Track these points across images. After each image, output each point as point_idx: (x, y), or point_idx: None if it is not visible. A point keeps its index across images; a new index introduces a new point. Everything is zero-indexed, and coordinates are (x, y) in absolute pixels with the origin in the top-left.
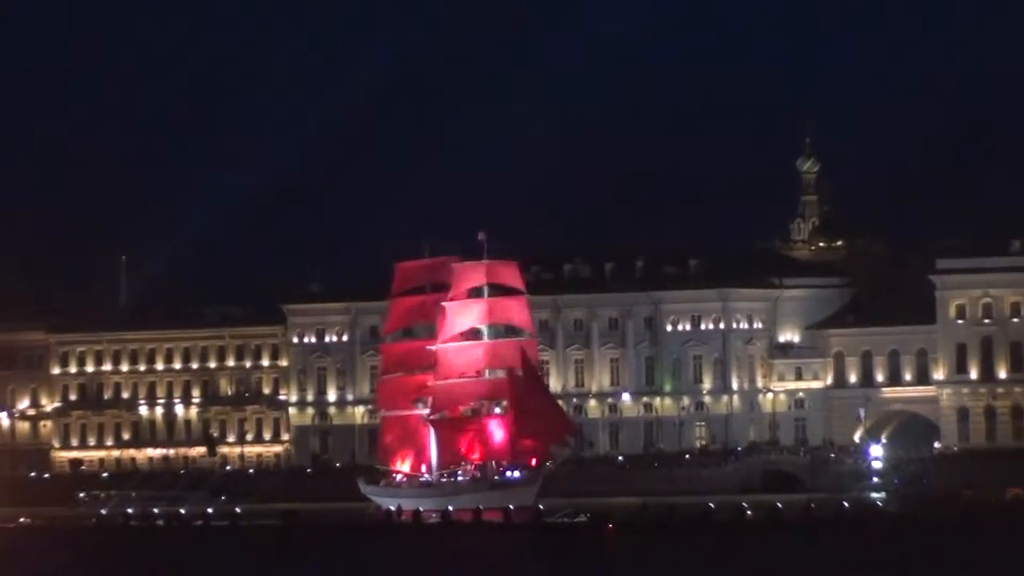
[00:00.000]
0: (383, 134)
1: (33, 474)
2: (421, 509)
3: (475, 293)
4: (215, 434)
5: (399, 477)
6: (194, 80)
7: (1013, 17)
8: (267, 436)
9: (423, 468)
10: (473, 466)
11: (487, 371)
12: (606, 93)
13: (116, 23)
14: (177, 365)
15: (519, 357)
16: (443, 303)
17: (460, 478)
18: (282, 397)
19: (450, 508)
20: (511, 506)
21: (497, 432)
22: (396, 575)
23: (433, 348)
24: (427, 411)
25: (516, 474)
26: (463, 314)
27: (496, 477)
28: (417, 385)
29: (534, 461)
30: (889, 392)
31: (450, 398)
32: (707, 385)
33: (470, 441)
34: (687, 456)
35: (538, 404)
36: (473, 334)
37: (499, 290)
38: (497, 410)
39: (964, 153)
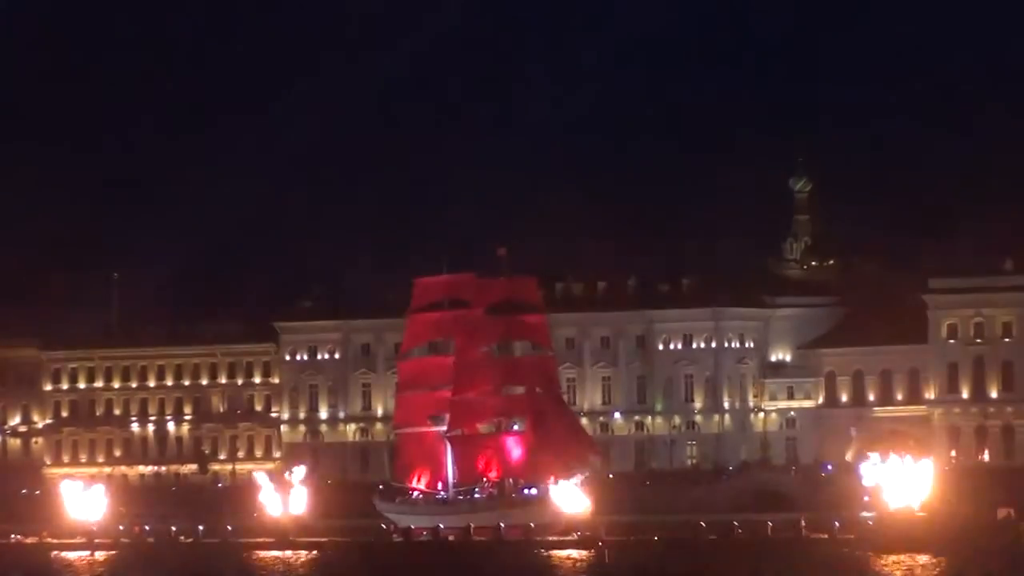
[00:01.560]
0: (377, 151)
1: (24, 491)
2: (441, 527)
3: (494, 310)
4: (207, 451)
5: (416, 494)
6: (188, 94)
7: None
8: (259, 453)
9: (439, 485)
10: (490, 483)
11: (505, 388)
12: (598, 110)
13: (105, 37)
14: (169, 382)
15: (538, 374)
16: (461, 319)
17: (477, 495)
18: (274, 414)
19: (471, 525)
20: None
21: (515, 449)
22: None
23: (451, 364)
24: (444, 428)
25: (534, 491)
26: (482, 330)
27: (514, 495)
28: (435, 401)
29: (553, 479)
30: (881, 411)
31: (468, 415)
32: (699, 404)
33: (488, 458)
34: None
35: (559, 422)
36: (491, 351)
37: (518, 307)
38: (515, 427)
39: (960, 168)
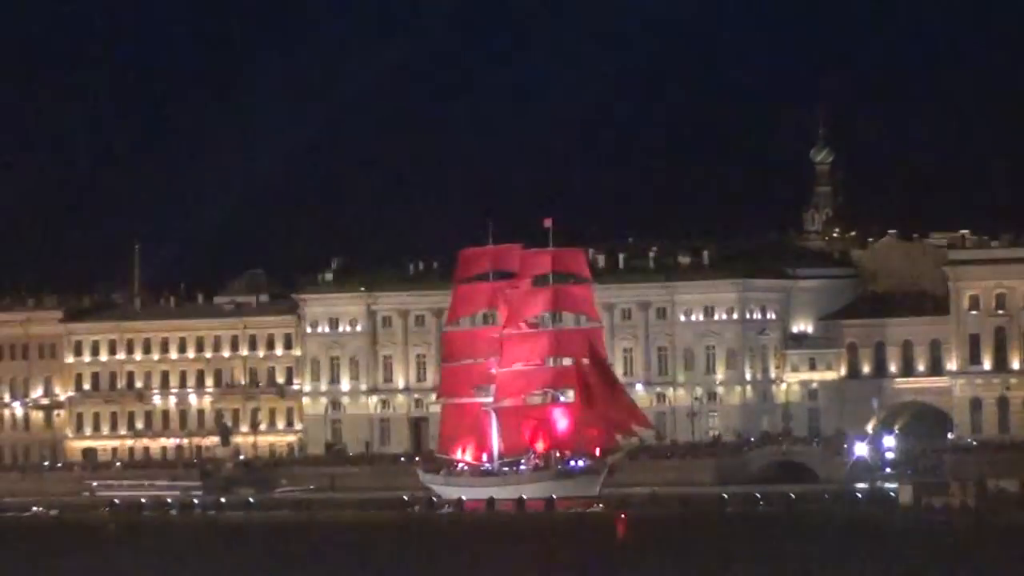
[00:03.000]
0: (400, 124)
1: (46, 463)
2: (495, 498)
3: (541, 280)
4: (228, 423)
5: (461, 466)
6: (211, 63)
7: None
8: (280, 425)
9: (484, 457)
10: (536, 455)
11: (552, 359)
12: (624, 81)
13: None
14: (191, 354)
15: (586, 345)
16: (508, 290)
17: (523, 467)
18: (295, 386)
19: (524, 496)
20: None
21: (561, 421)
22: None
23: (497, 335)
24: (490, 399)
25: (580, 463)
26: (529, 301)
27: (559, 467)
28: (480, 373)
29: (598, 451)
30: (902, 383)
31: (514, 386)
32: (720, 375)
33: (534, 430)
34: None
35: (606, 393)
36: (538, 322)
37: (565, 278)
38: (562, 399)
39: (978, 142)
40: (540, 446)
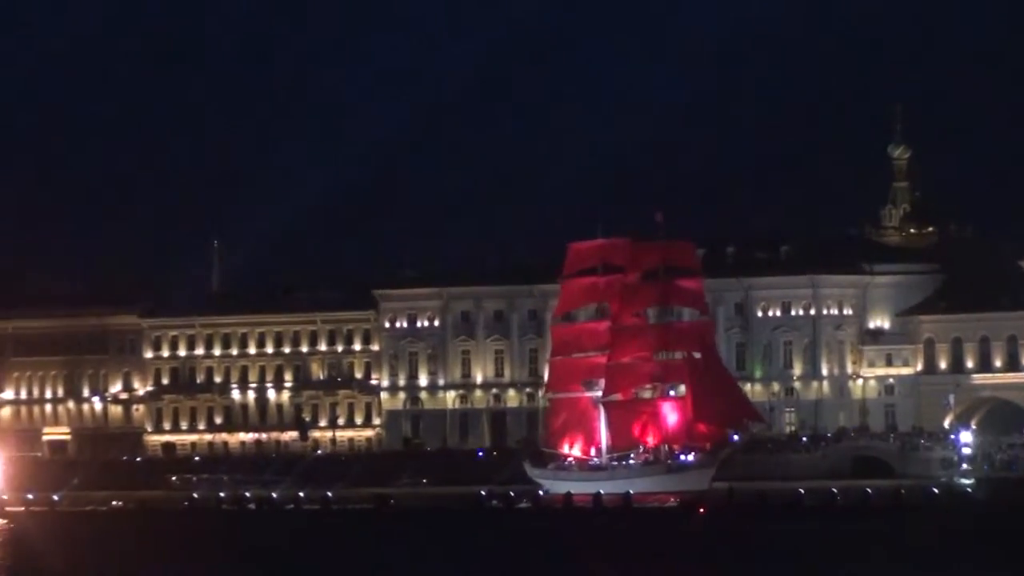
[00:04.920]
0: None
1: (125, 458)
2: (602, 492)
3: (650, 274)
4: (307, 418)
5: (569, 460)
6: (292, 66)
7: None
8: (359, 420)
9: (592, 451)
10: (647, 449)
11: (662, 353)
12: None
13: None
14: (269, 349)
15: (697, 339)
16: (616, 284)
17: (632, 461)
18: (374, 382)
19: (630, 491)
20: (600, 491)
21: (671, 415)
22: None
23: (605, 329)
24: (599, 393)
25: (690, 458)
26: (638, 296)
27: (670, 461)
28: (588, 367)
29: (709, 445)
30: (979, 379)
31: (624, 380)
32: (797, 371)
33: (644, 424)
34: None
35: (717, 387)
36: (647, 315)
37: (675, 272)
38: (672, 393)
39: None
40: (650, 440)
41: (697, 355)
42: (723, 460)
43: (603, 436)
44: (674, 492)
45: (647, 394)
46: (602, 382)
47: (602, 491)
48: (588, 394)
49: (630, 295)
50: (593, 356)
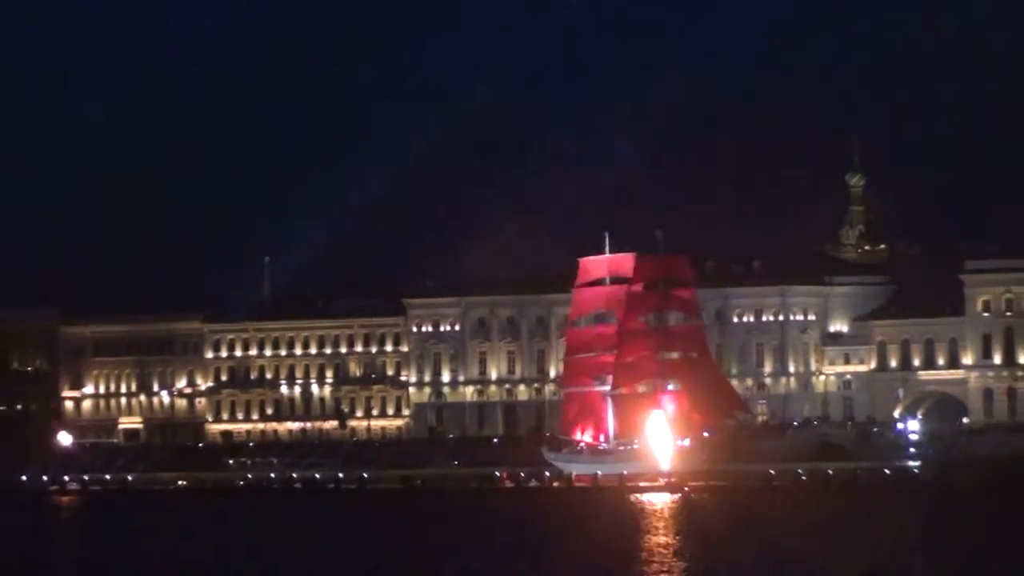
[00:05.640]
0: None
1: (189, 444)
2: (599, 473)
3: (651, 285)
4: (345, 410)
5: (581, 445)
6: (331, 89)
7: None
8: (390, 411)
9: (601, 438)
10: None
11: (661, 353)
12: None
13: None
14: (313, 351)
15: (691, 341)
16: (622, 294)
17: (635, 446)
18: (403, 378)
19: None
20: (599, 472)
21: (669, 406)
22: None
23: (613, 333)
24: (607, 387)
25: (686, 443)
26: (640, 303)
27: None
28: (598, 365)
29: (703, 431)
30: (925, 375)
31: (629, 376)
32: (768, 368)
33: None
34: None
35: (709, 382)
36: (649, 320)
37: (672, 283)
38: (670, 387)
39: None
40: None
41: (693, 354)
42: (713, 445)
43: (610, 424)
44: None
45: (649, 388)
46: (610, 378)
47: (599, 472)
48: (598, 388)
49: (634, 303)
50: (602, 355)
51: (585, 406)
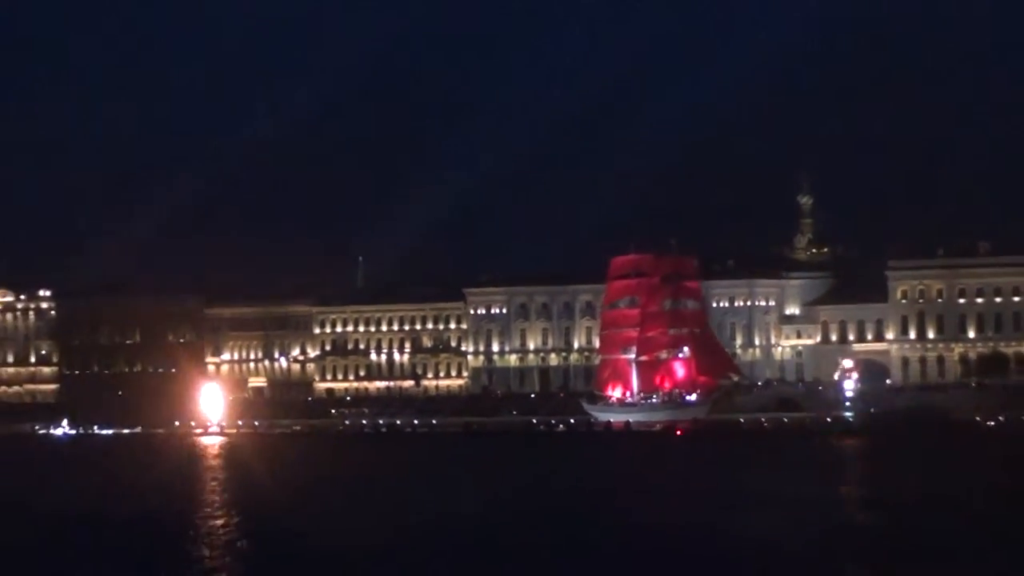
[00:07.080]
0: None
1: (302, 398)
2: (631, 421)
3: (666, 278)
4: (419, 372)
5: (612, 399)
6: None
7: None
8: (453, 374)
9: (628, 394)
10: (664, 392)
11: (674, 329)
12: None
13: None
14: (395, 327)
15: (696, 320)
16: (644, 285)
17: (655, 400)
18: (463, 348)
19: (630, 420)
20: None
21: (680, 370)
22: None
23: (637, 314)
24: (632, 355)
25: (693, 397)
26: (658, 292)
27: (679, 400)
28: (625, 338)
29: (706, 389)
30: (858, 347)
31: (649, 346)
32: (739, 342)
33: (662, 376)
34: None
35: (710, 350)
36: (664, 305)
37: (682, 277)
38: (680, 355)
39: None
40: (667, 386)
41: (697, 331)
42: (714, 401)
43: (635, 383)
44: (681, 420)
45: (664, 356)
46: (634, 348)
47: (631, 420)
48: (625, 356)
49: (653, 292)
50: (628, 331)
51: (616, 370)
